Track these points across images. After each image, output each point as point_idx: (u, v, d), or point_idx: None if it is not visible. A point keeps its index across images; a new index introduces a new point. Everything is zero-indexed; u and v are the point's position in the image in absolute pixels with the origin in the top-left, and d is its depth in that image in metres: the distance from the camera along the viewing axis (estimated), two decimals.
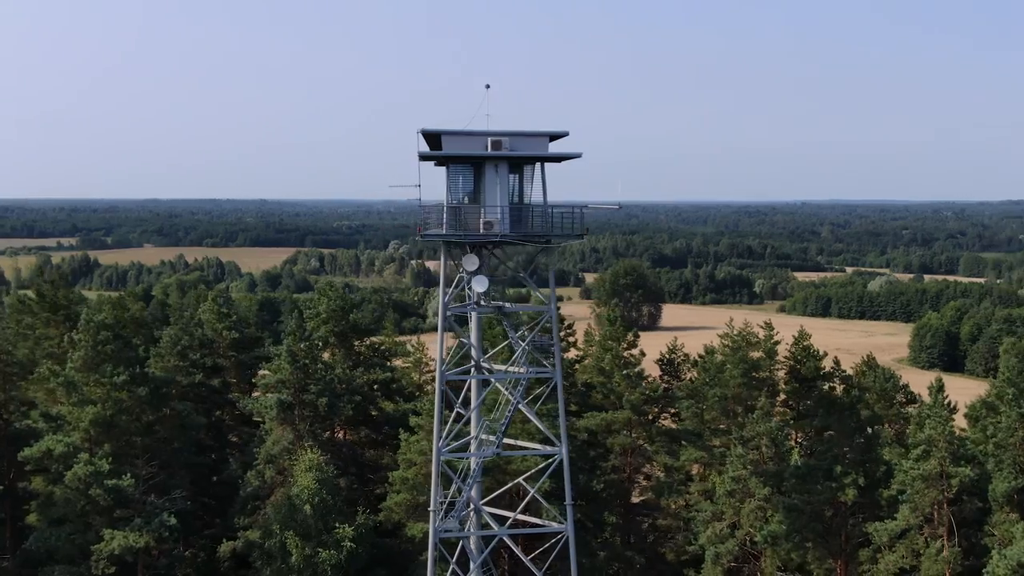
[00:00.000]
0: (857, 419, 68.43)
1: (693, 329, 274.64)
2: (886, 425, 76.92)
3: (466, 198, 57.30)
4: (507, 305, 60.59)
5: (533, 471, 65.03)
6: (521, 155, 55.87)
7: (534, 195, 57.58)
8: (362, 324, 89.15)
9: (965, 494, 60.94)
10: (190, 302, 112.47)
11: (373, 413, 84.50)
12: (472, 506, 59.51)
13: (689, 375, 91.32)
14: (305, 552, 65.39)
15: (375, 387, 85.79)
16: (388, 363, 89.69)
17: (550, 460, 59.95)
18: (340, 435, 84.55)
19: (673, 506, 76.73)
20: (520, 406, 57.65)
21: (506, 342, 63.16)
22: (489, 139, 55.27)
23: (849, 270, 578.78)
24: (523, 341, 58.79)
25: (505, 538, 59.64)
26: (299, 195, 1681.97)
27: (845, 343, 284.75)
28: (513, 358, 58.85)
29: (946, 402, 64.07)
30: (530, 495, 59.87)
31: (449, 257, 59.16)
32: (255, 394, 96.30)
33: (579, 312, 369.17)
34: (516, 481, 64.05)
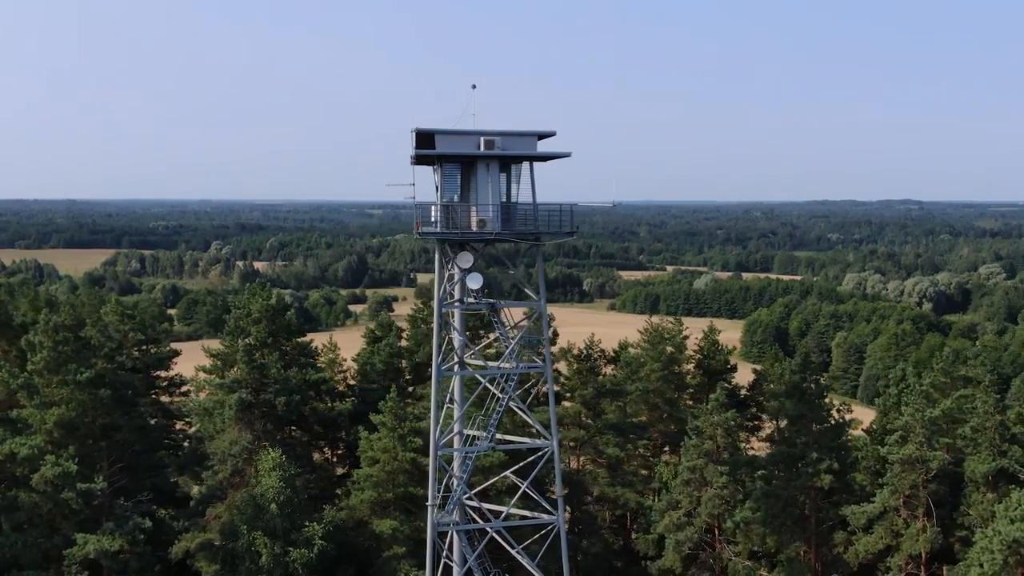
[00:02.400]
0: (824, 406, 71.49)
1: None
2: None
3: (455, 196, 58.03)
4: (500, 302, 61.30)
5: (521, 465, 66.03)
6: (514, 154, 56.98)
7: (521, 194, 58.86)
8: (294, 324, 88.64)
9: (938, 476, 64.50)
10: (86, 304, 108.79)
11: (305, 413, 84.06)
12: (458, 499, 60.35)
13: (606, 370, 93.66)
14: (275, 551, 65.06)
15: (306, 386, 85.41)
16: (316, 363, 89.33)
17: (539, 453, 61.43)
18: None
19: (623, 497, 78.74)
20: (509, 401, 58.85)
21: (493, 337, 64.18)
22: (482, 138, 56.37)
23: (670, 269, 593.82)
24: (512, 337, 59.96)
25: (493, 531, 60.69)
26: (109, 195, 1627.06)
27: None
28: (505, 354, 59.88)
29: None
30: (521, 489, 60.89)
31: (442, 255, 59.76)
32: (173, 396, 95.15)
33: None
34: (505, 474, 65.07)
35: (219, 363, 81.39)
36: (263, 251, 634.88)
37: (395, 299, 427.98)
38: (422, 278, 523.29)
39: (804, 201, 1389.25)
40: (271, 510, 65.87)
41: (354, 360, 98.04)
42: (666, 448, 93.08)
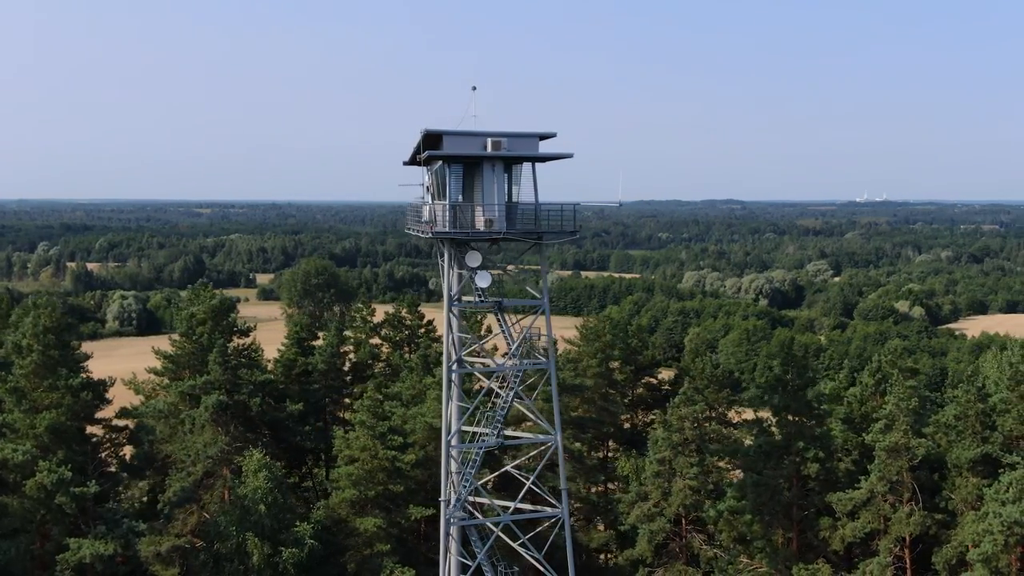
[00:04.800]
0: (807, 399, 74.36)
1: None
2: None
3: (459, 197, 59.04)
4: (505, 300, 62.56)
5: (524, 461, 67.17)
6: (520, 155, 58.32)
7: (522, 194, 60.34)
8: (239, 325, 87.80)
9: (921, 462, 68.05)
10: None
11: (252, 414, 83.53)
12: (464, 495, 61.24)
13: None
14: (265, 552, 64.92)
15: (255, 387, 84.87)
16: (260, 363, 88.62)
17: (543, 447, 62.86)
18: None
19: (584, 491, 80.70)
20: (512, 397, 60.15)
21: (493, 335, 65.26)
22: (489, 139, 57.41)
23: (511, 267, 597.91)
24: (516, 334, 61.28)
25: (502, 525, 61.77)
26: None
27: None
28: (512, 350, 61.08)
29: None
30: (527, 484, 62.14)
31: (443, 254, 60.75)
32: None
33: (265, 313, 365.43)
34: (506, 468, 66.20)
35: (171, 365, 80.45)
36: (92, 251, 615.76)
37: (238, 300, 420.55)
38: (261, 278, 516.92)
39: (631, 201, 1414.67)
40: (259, 511, 65.65)
41: (279, 361, 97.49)
42: (597, 441, 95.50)
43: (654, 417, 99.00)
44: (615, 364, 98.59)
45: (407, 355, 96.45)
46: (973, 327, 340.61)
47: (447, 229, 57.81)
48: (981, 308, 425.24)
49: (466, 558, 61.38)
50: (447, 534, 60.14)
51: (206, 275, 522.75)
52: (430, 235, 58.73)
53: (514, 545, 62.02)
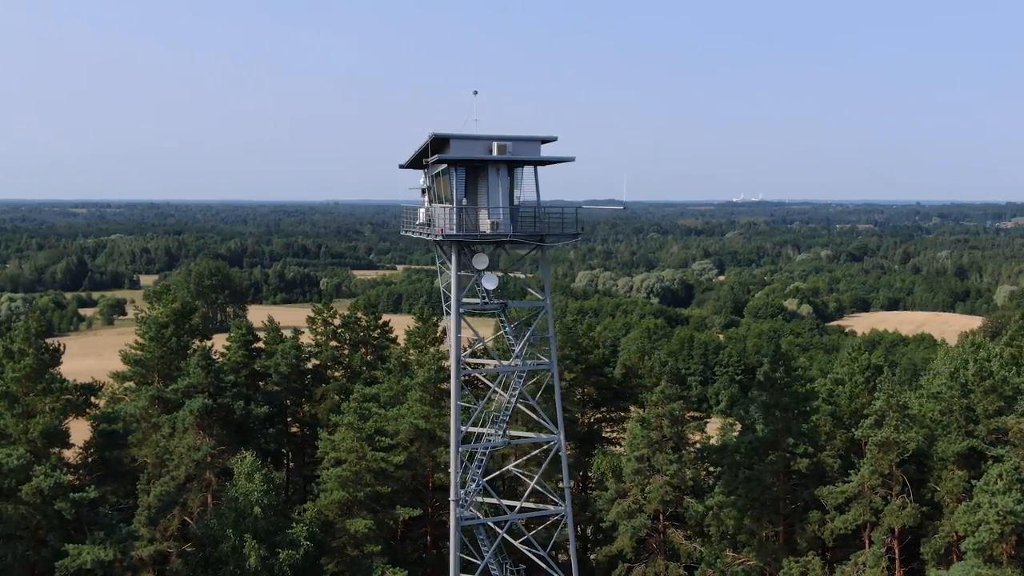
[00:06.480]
0: (795, 395, 76.18)
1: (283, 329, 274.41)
2: None
3: (463, 200, 59.73)
4: (509, 301, 63.41)
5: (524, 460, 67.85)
6: (525, 159, 59.26)
7: (524, 196, 61.29)
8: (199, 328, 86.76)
9: (909, 456, 70.36)
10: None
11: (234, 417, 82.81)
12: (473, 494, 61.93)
13: None
14: (261, 554, 64.65)
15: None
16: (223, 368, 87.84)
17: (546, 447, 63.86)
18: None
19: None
20: (516, 397, 61.17)
21: (494, 335, 66.05)
22: (495, 143, 58.34)
23: (400, 268, 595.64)
24: (518, 336, 62.21)
25: (508, 524, 62.60)
26: None
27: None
28: (516, 351, 61.95)
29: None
30: (532, 484, 63.08)
31: (445, 256, 61.43)
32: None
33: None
34: (504, 468, 67.04)
35: (140, 369, 79.39)
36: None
37: (125, 301, 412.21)
38: (145, 279, 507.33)
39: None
40: (254, 513, 65.36)
41: (225, 364, 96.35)
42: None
43: (601, 415, 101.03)
44: (567, 362, 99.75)
45: (366, 356, 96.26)
46: (858, 324, 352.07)
47: (455, 232, 58.46)
48: (864, 305, 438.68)
49: (469, 557, 62.14)
50: (458, 534, 60.71)
51: (89, 277, 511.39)
52: (439, 237, 59.18)
53: (516, 544, 62.99)
